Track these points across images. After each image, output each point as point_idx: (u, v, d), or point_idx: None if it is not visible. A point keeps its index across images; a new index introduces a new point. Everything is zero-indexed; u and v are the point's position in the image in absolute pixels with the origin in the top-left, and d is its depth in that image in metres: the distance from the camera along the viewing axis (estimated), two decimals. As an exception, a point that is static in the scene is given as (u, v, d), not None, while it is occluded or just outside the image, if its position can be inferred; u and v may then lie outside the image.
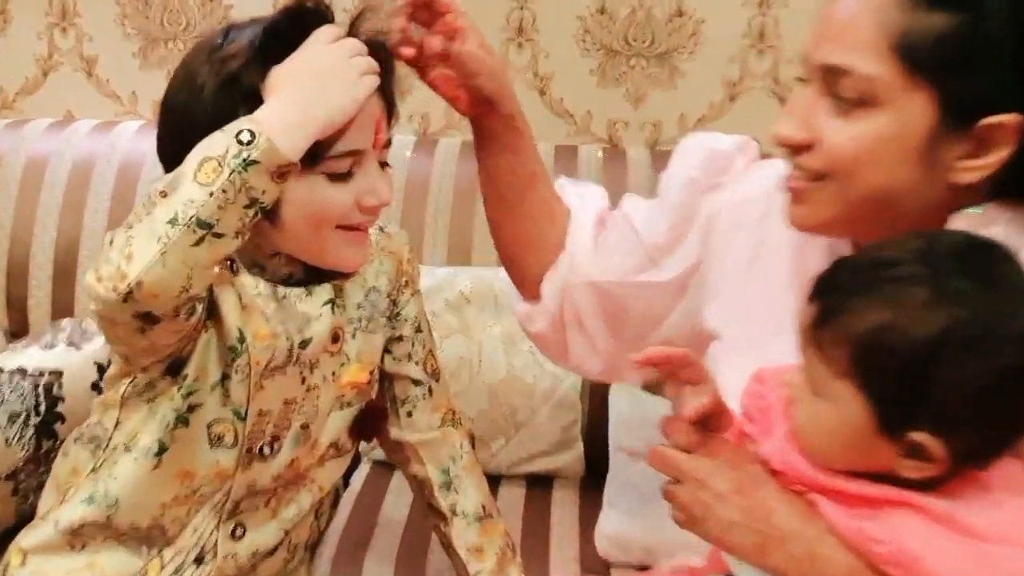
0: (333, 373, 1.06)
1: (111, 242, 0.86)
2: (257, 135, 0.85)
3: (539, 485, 1.62)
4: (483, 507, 1.16)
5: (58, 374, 1.49)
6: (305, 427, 1.05)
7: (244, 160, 0.85)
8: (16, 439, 1.40)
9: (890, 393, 0.73)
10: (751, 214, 1.05)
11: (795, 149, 0.87)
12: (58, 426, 1.46)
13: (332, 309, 1.04)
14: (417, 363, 1.15)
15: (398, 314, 1.14)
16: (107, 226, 1.77)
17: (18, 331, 1.81)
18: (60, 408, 1.45)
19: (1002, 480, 0.75)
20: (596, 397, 1.62)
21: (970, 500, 0.74)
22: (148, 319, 0.87)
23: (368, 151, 0.98)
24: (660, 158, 1.78)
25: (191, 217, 0.84)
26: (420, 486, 1.18)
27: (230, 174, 0.84)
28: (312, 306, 1.03)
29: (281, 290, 1.01)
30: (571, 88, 1.92)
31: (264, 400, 1.01)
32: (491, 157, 1.13)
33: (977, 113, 0.81)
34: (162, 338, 0.91)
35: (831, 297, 0.77)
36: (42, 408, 1.45)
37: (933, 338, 0.70)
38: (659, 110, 1.92)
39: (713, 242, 1.08)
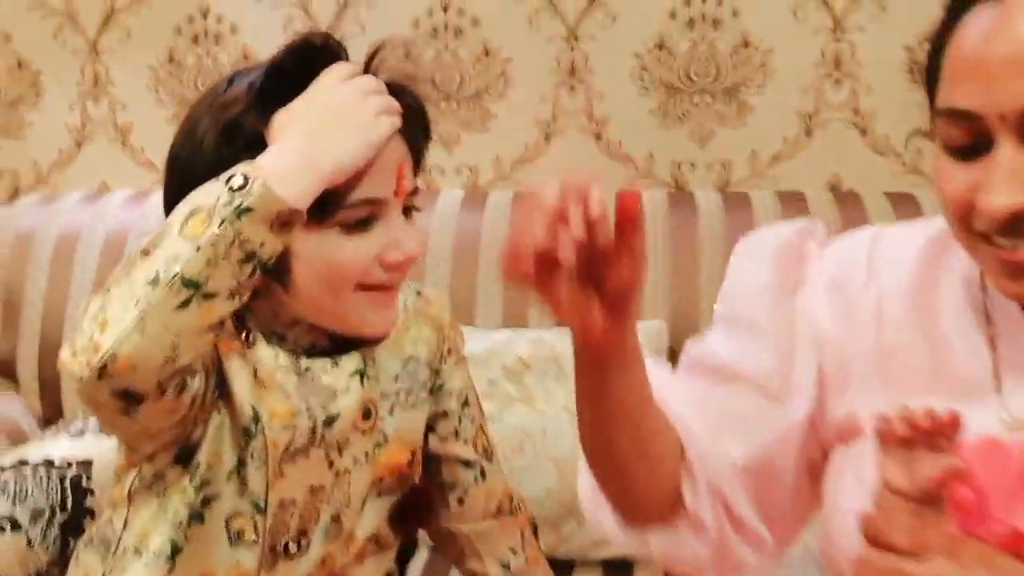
0: (366, 454, 0.95)
1: (86, 309, 0.76)
2: (251, 180, 0.76)
3: (619, 572, 1.50)
4: None
5: (87, 465, 1.38)
6: (336, 518, 0.94)
7: (237, 208, 0.75)
8: (40, 540, 1.28)
9: None
10: (853, 288, 0.91)
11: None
12: (87, 522, 1.34)
13: (362, 380, 0.94)
14: (466, 441, 1.03)
15: (441, 386, 1.03)
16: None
17: (52, 416, 1.76)
18: (89, 503, 1.34)
19: None
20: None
21: None
22: (130, 398, 0.76)
23: (389, 200, 0.88)
24: (732, 201, 1.66)
25: (174, 276, 0.74)
26: None
27: (220, 224, 0.75)
28: (339, 378, 0.92)
29: (304, 362, 0.91)
30: (630, 130, 1.83)
31: (286, 489, 0.90)
32: (608, 381, 0.87)
33: None
34: (153, 420, 0.81)
35: None
36: (69, 503, 1.34)
37: None
38: (728, 149, 1.81)
39: (822, 338, 0.92)
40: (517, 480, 1.44)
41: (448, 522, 1.04)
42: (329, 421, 0.91)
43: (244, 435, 0.87)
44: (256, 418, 0.87)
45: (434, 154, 1.83)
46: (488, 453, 1.05)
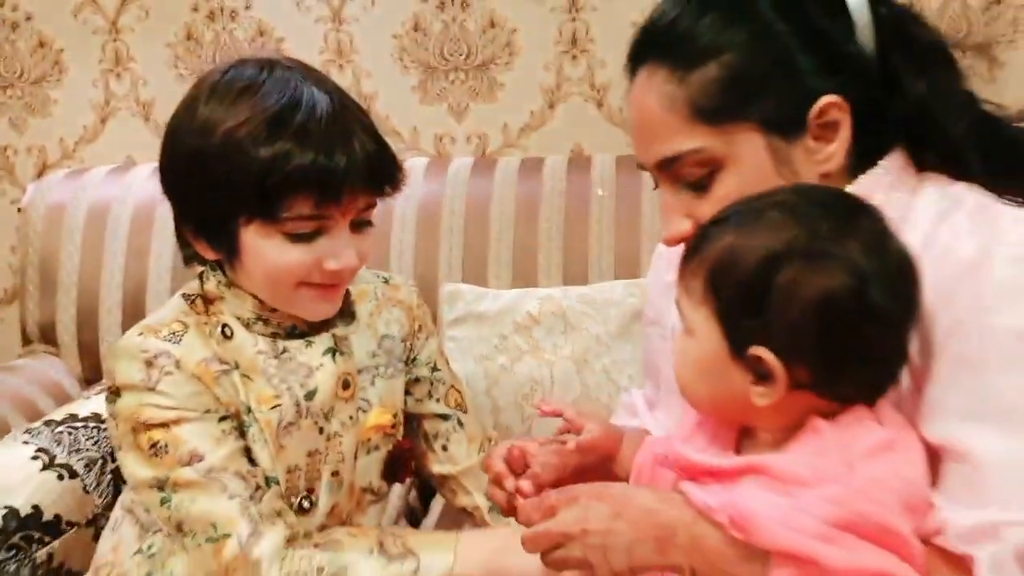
0: (350, 417, 1.12)
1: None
2: None
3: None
4: None
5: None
6: (335, 474, 1.12)
7: None
8: (94, 486, 1.46)
9: (734, 309, 0.81)
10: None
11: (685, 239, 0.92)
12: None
13: (334, 357, 1.11)
14: (439, 400, 1.23)
15: (415, 358, 1.21)
16: (172, 269, 1.86)
17: (92, 378, 1.89)
18: (134, 453, 1.50)
19: (840, 432, 0.81)
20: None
21: (804, 453, 0.81)
22: None
23: (336, 217, 1.01)
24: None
25: None
26: (471, 516, 1.25)
27: None
28: (312, 356, 1.10)
29: (280, 344, 1.08)
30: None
31: (288, 458, 1.08)
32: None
33: (799, 114, 0.88)
34: None
35: (696, 240, 0.86)
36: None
37: (774, 251, 0.79)
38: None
39: None
40: (529, 424, 1.63)
41: (439, 466, 1.24)
42: (309, 395, 1.08)
43: (243, 426, 1.06)
44: (249, 409, 1.05)
45: (445, 123, 1.98)
46: (461, 406, 1.25)
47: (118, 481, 1.47)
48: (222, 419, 1.04)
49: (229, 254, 1.03)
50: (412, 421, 1.23)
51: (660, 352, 1.16)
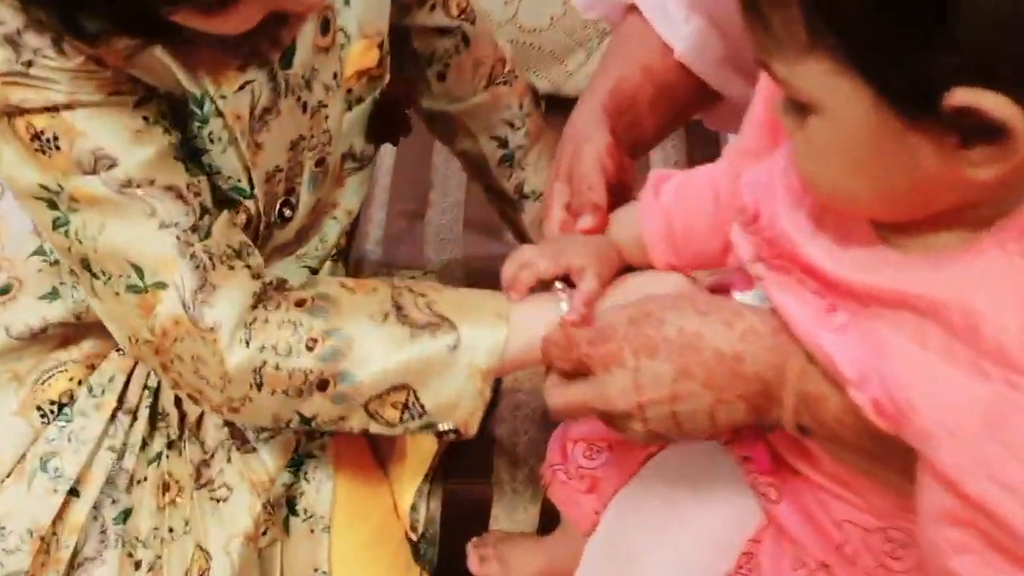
0: (334, 76, 0.82)
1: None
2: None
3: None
4: None
5: None
6: (320, 162, 0.84)
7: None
8: None
9: (885, 31, 0.46)
10: None
11: None
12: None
13: None
14: (434, 7, 0.91)
15: None
16: None
17: None
18: None
19: None
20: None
21: (1005, 286, 0.50)
22: None
23: None
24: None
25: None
26: (473, 165, 1.01)
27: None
28: None
29: None
30: None
31: (267, 159, 0.79)
32: None
33: None
34: None
35: None
36: None
37: None
38: None
39: None
40: (514, 9, 1.38)
41: (431, 102, 0.97)
42: (287, 59, 0.76)
43: (196, 124, 0.74)
44: (200, 100, 0.73)
45: None
46: (467, 14, 0.94)
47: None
48: (141, 103, 0.73)
49: None
50: (400, 43, 0.91)
51: None
